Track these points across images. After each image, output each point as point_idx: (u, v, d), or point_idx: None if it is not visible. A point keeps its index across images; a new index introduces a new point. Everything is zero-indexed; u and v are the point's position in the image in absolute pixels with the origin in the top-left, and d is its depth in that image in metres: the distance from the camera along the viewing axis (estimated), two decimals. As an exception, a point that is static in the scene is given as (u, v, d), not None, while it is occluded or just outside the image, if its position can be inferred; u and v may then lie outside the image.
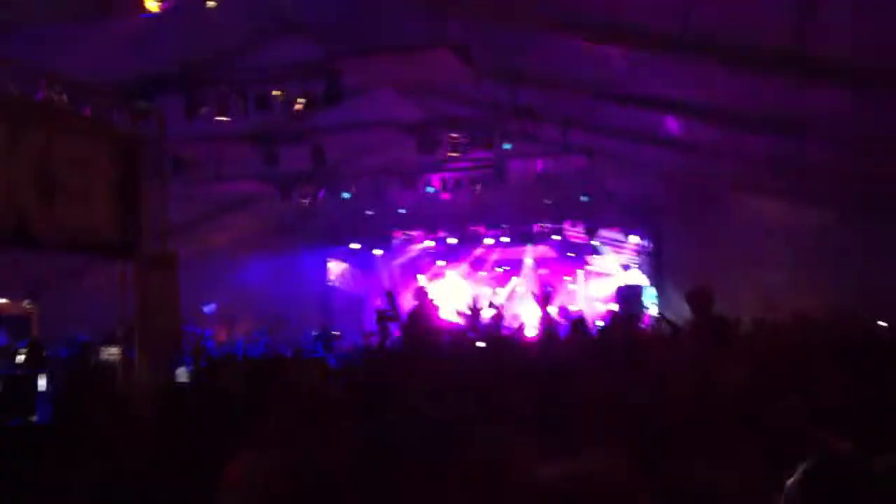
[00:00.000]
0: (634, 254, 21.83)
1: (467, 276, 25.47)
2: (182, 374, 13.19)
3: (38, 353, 12.86)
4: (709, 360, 5.22)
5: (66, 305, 16.62)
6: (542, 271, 24.71)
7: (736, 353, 6.21)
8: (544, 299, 6.42)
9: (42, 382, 11.98)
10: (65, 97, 9.65)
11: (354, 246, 22.75)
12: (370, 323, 14.69)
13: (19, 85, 9.15)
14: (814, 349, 6.09)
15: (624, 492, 1.68)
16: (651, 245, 20.06)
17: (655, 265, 20.00)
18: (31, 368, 12.27)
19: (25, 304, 17.89)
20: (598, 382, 4.12)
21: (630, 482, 1.71)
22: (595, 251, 23.00)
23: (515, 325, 19.34)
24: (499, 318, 14.67)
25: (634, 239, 20.80)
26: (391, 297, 10.51)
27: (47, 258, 13.90)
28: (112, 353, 12.82)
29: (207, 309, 17.81)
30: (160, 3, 8.20)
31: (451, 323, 13.01)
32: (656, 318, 14.50)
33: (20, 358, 13.04)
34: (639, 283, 21.04)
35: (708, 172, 14.59)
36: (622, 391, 3.84)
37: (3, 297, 17.30)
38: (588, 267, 24.60)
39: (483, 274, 25.70)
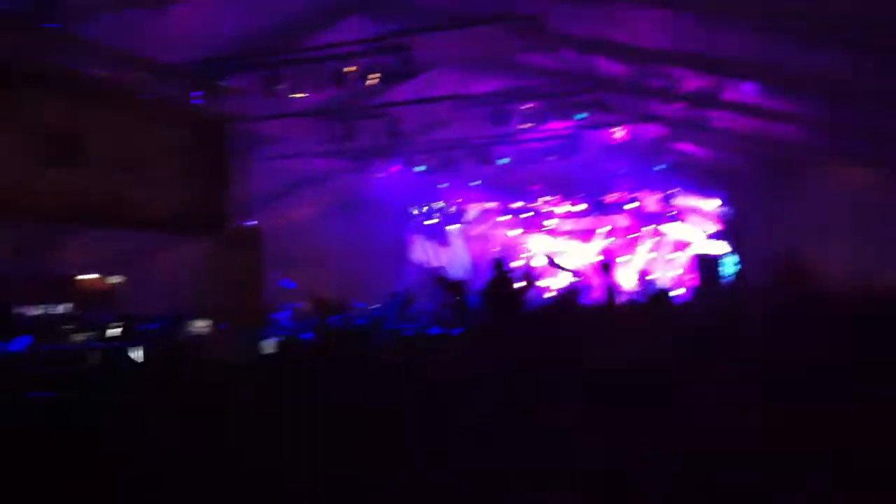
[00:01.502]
0: (713, 222, 21.43)
1: (543, 247, 25.37)
2: (268, 347, 13.61)
3: (130, 326, 13.34)
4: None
5: (152, 281, 17.23)
6: (613, 240, 24.46)
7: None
8: (604, 268, 6.42)
9: (136, 355, 12.46)
10: (148, 79, 9.97)
11: (430, 221, 22.92)
12: (442, 295, 14.87)
13: (104, 69, 9.48)
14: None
15: None
16: (731, 213, 19.68)
17: (735, 233, 19.62)
18: (125, 342, 12.76)
19: (112, 279, 18.60)
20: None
21: None
22: (672, 219, 22.65)
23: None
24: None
25: (713, 207, 20.43)
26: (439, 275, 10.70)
27: (133, 235, 14.43)
28: (201, 326, 13.26)
29: (286, 283, 18.22)
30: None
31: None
32: None
33: (113, 332, 13.56)
34: (717, 252, 20.66)
35: (792, 140, 14.24)
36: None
37: (90, 272, 18.04)
38: (665, 236, 24.25)
39: (557, 243, 25.56)
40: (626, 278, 17.91)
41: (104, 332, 13.66)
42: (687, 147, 17.54)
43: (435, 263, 23.84)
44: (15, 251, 10.45)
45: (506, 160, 16.89)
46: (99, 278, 18.25)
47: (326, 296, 16.54)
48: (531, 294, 9.91)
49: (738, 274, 17.20)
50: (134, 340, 12.85)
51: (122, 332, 13.22)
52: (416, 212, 22.66)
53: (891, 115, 10.29)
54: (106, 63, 9.51)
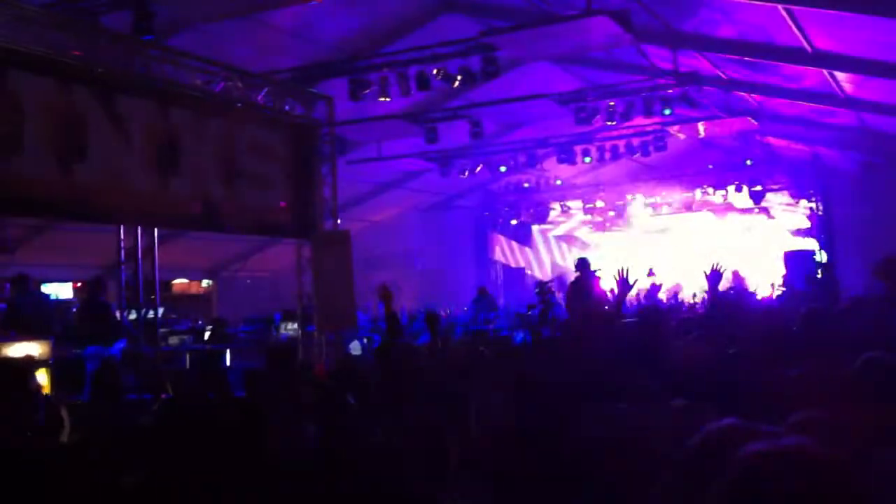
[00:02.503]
0: (804, 218, 20.80)
1: (627, 246, 25.05)
2: (356, 348, 13.77)
3: (222, 329, 13.66)
4: None
5: (243, 285, 17.63)
6: (705, 239, 23.99)
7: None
8: (714, 279, 6.20)
9: (227, 357, 12.76)
10: (241, 87, 10.20)
11: (512, 222, 22.87)
12: (531, 295, 14.80)
13: (199, 77, 9.74)
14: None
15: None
16: (823, 209, 19.07)
17: (827, 230, 19.00)
18: (217, 344, 13.08)
19: (205, 283, 19.11)
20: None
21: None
22: (763, 214, 22.07)
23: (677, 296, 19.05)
24: (654, 289, 14.45)
25: (804, 202, 19.84)
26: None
27: (223, 241, 14.78)
28: (291, 328, 13.50)
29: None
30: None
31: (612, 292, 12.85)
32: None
33: (206, 335, 13.91)
34: (809, 249, 20.05)
35: (885, 131, 13.72)
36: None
37: (184, 277, 18.57)
38: (752, 231, 23.66)
39: (644, 242, 25.22)
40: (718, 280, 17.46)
41: (199, 335, 14.04)
42: (777, 142, 17.07)
43: (515, 264, 23.81)
44: (121, 256, 10.80)
45: (589, 159, 16.71)
46: (192, 283, 18.79)
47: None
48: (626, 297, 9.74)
49: (830, 272, 16.64)
50: (226, 343, 13.18)
51: (212, 335, 13.56)
52: (500, 212, 22.63)
53: None
54: (203, 72, 9.76)
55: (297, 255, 11.50)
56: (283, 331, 13.87)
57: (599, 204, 21.81)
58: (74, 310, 11.79)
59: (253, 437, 3.04)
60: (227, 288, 18.38)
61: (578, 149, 16.57)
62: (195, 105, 9.53)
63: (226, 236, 13.63)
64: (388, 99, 11.53)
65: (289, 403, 4.02)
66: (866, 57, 10.07)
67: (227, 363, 12.36)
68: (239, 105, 10.18)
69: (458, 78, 11.34)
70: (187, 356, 12.51)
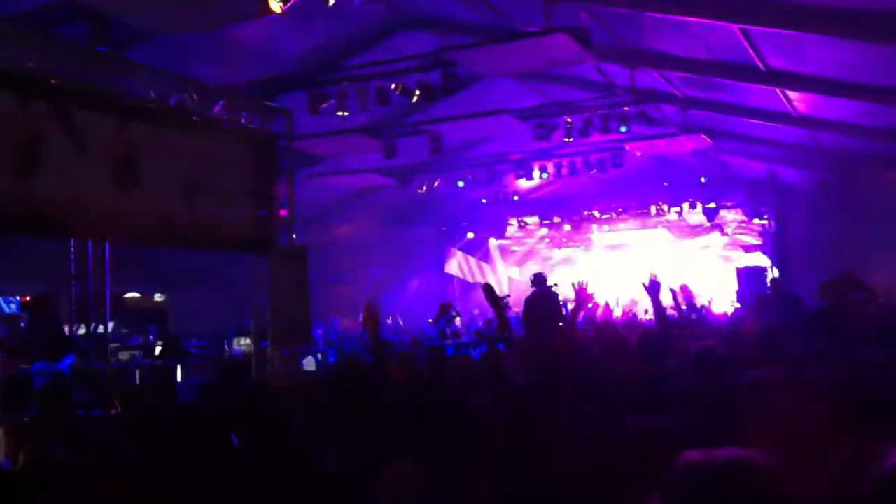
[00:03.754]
0: (756, 235, 21.14)
1: (582, 261, 25.22)
2: (310, 364, 13.63)
3: (173, 345, 13.43)
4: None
5: (197, 299, 17.36)
6: (659, 255, 24.25)
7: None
8: (652, 290, 6.26)
9: (179, 373, 12.53)
10: (198, 100, 10.06)
11: (469, 235, 22.91)
12: (487, 310, 14.77)
13: (158, 91, 9.61)
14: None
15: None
16: (775, 226, 19.38)
17: (779, 247, 19.30)
18: (169, 360, 12.85)
19: (158, 297, 18.80)
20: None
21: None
22: (716, 232, 22.38)
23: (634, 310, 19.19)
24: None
25: (756, 219, 20.14)
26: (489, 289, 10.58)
27: (181, 254, 14.55)
28: (244, 344, 13.32)
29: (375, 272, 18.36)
30: (283, 5, 8.40)
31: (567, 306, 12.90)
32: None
33: (157, 350, 13.67)
34: (761, 266, 20.36)
35: (840, 149, 13.99)
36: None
37: (136, 291, 18.24)
38: (707, 248, 23.96)
39: (599, 258, 25.40)
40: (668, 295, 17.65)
41: (149, 350, 13.79)
42: (732, 160, 17.32)
43: (473, 279, 23.81)
44: (67, 271, 10.56)
45: (547, 174, 16.79)
46: (144, 297, 18.46)
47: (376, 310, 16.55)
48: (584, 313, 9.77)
49: (781, 286, 16.90)
50: (179, 359, 12.95)
51: (165, 350, 13.34)
52: (457, 227, 22.66)
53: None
54: (160, 85, 9.63)
55: (253, 270, 11.35)
56: (235, 346, 13.68)
57: (557, 219, 21.94)
58: (23, 325, 11.51)
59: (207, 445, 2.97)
60: (183, 303, 18.10)
61: (536, 164, 16.66)
62: (154, 119, 9.39)
63: (184, 250, 13.44)
64: (346, 113, 11.47)
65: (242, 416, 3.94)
66: (818, 75, 10.26)
67: (178, 379, 12.18)
68: (197, 119, 10.04)
69: (417, 93, 11.34)
70: (137, 372, 12.29)
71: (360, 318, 15.83)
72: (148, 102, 9.45)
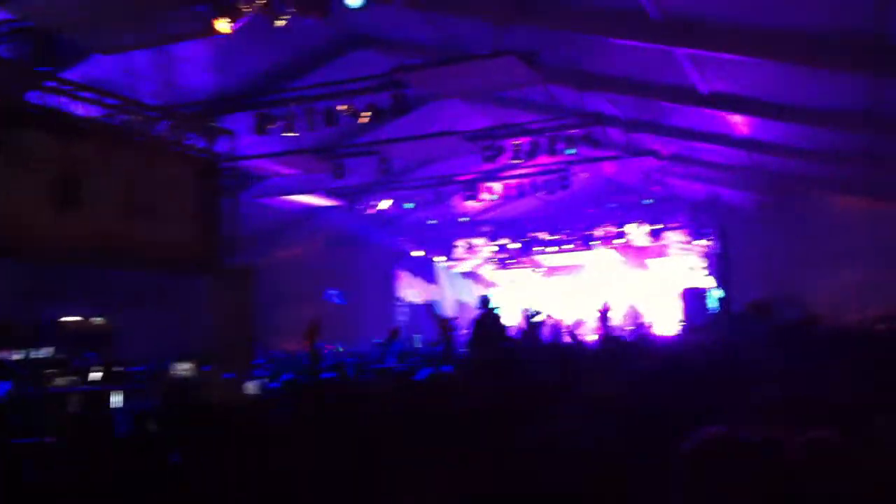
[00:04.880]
0: (700, 256, 21.46)
1: (529, 283, 25.33)
2: (252, 388, 13.36)
3: (113, 369, 13.08)
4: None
5: (140, 322, 16.96)
6: (606, 276, 24.50)
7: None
8: (603, 315, 6.34)
9: (117, 399, 12.20)
10: (142, 120, 9.89)
11: (417, 254, 22.86)
12: (433, 332, 14.72)
13: (101, 110, 9.41)
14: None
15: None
16: (718, 247, 19.70)
17: (722, 267, 19.63)
18: (108, 385, 12.51)
19: (97, 321, 18.32)
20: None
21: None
22: (660, 253, 22.68)
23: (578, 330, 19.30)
24: (556, 325, 14.61)
25: (700, 240, 20.47)
26: (431, 309, 10.64)
27: (121, 275, 14.23)
28: (185, 368, 13.02)
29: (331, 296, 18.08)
30: (231, 26, 8.32)
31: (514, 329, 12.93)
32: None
33: (95, 375, 13.29)
34: (704, 286, 20.68)
35: (780, 171, 14.31)
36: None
37: (78, 314, 17.76)
38: (652, 269, 24.26)
39: (546, 279, 25.54)
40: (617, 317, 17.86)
41: (88, 375, 13.40)
42: (676, 182, 17.61)
43: (422, 300, 23.74)
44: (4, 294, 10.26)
45: (494, 196, 16.87)
46: (84, 321, 17.97)
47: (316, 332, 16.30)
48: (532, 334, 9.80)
49: (725, 307, 17.19)
50: (117, 384, 12.61)
51: (105, 375, 12.98)
52: (405, 248, 22.59)
53: (881, 140, 10.37)
54: (103, 105, 9.44)
55: (198, 292, 11.14)
56: (178, 370, 13.37)
57: (504, 241, 22.01)
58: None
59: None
60: (125, 326, 17.66)
61: (484, 186, 16.71)
62: (97, 138, 9.17)
63: (126, 272, 13.16)
64: (294, 134, 11.37)
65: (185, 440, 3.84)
66: (757, 98, 10.49)
67: (119, 404, 11.86)
68: (140, 139, 9.86)
69: (367, 114, 11.29)
70: (75, 398, 11.94)
71: (303, 341, 15.65)
72: (90, 122, 9.23)
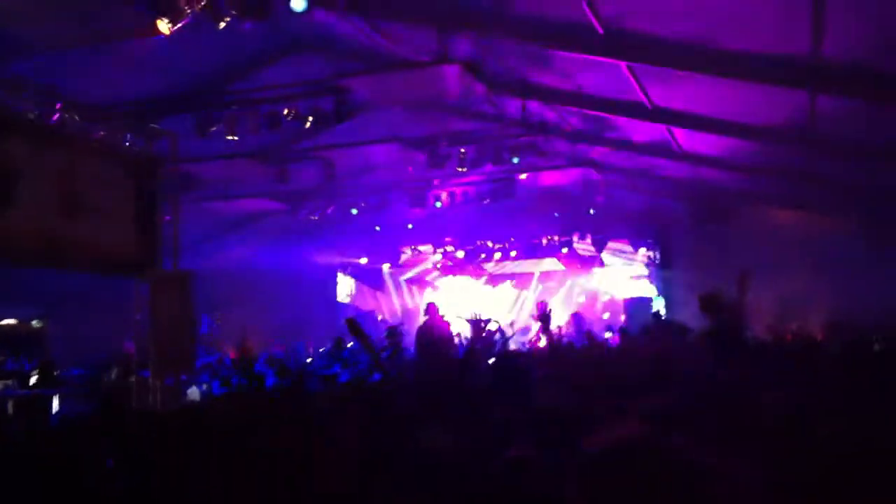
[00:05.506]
0: (643, 266, 21.77)
1: (475, 290, 25.45)
2: (194, 394, 13.18)
3: (50, 373, 12.83)
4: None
5: (77, 325, 16.63)
6: (549, 285, 24.72)
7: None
8: (543, 318, 6.39)
9: (55, 403, 11.95)
10: (79, 120, 9.72)
11: (362, 261, 22.78)
12: (380, 338, 14.69)
13: (37, 108, 9.23)
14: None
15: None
16: (660, 257, 20.01)
17: (664, 277, 19.94)
18: (44, 389, 12.26)
19: (34, 323, 17.90)
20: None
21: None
22: (603, 263, 22.95)
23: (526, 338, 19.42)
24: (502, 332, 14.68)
25: (643, 251, 20.76)
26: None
27: (58, 278, 13.94)
28: (122, 373, 12.79)
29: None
30: (171, 26, 8.21)
31: (460, 336, 12.99)
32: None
33: (33, 379, 13.01)
34: (647, 296, 20.99)
35: (718, 184, 14.59)
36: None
37: (13, 317, 17.34)
38: (596, 280, 24.54)
39: (491, 287, 25.68)
40: (560, 323, 18.03)
41: (24, 378, 13.12)
42: (619, 192, 17.82)
43: (366, 307, 23.67)
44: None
45: (440, 203, 16.90)
46: (20, 323, 17.55)
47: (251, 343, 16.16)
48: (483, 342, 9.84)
49: (665, 316, 17.46)
50: (54, 388, 12.35)
51: (39, 379, 12.72)
52: (350, 254, 22.49)
53: (802, 155, 10.65)
54: (40, 102, 9.24)
55: (136, 294, 10.96)
56: (115, 375, 13.15)
57: (450, 248, 22.05)
58: None
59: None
60: (62, 328, 17.30)
61: (430, 193, 16.73)
62: (33, 136, 8.98)
63: (62, 273, 12.91)
64: (235, 137, 11.25)
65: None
66: (699, 113, 10.69)
67: (55, 409, 11.64)
68: (77, 138, 9.68)
69: (310, 119, 11.23)
70: (10, 402, 11.69)
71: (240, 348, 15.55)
72: (26, 119, 9.04)
